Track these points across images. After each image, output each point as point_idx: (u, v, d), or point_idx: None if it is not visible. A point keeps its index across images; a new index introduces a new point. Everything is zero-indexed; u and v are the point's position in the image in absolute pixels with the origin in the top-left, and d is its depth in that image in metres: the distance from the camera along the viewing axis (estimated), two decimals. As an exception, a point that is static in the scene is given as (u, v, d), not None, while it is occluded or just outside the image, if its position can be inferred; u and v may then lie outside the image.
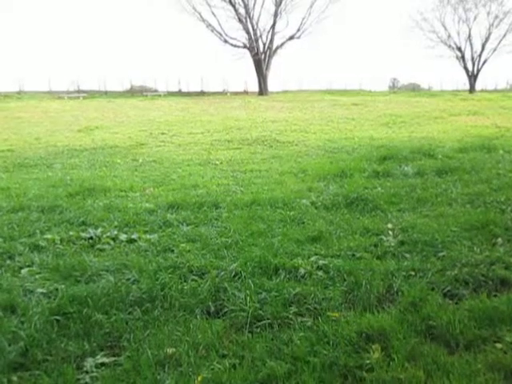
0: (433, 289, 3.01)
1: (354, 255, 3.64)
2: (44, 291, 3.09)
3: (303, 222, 4.51)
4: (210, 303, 2.89)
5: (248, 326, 2.62)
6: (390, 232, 4.12)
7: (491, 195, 5.34)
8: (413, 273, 3.28)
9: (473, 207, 4.92)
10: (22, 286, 3.17)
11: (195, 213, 4.94)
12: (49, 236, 4.22)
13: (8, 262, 3.69)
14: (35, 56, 56.39)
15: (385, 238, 3.96)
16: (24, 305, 2.87)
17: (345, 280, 3.16)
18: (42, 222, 4.77)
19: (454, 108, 23.10)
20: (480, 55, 51.82)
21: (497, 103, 25.35)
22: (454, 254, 3.56)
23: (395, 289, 3.05)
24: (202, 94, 41.24)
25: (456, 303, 2.86)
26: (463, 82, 54.70)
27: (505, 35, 50.70)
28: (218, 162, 8.58)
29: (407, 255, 3.63)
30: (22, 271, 3.47)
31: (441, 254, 3.60)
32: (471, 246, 3.71)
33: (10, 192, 6.29)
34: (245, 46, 40.81)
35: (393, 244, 3.85)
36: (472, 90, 50.70)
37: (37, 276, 3.36)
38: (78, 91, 36.02)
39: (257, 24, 40.42)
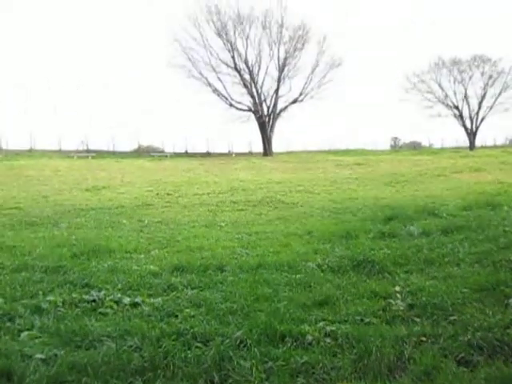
0: (446, 355, 2.88)
1: (362, 320, 3.54)
2: (43, 357, 2.98)
3: (310, 286, 4.43)
4: (215, 373, 2.77)
5: (254, 398, 2.51)
6: (399, 295, 4.03)
7: (499, 254, 5.25)
8: (424, 338, 3.16)
9: (481, 267, 4.84)
10: (20, 350, 3.07)
11: (200, 276, 4.89)
12: (51, 298, 4.15)
13: (8, 324, 3.61)
14: (47, 116, 58.57)
15: (393, 302, 3.86)
16: (21, 371, 2.76)
17: (354, 347, 3.04)
18: (45, 282, 4.72)
19: (455, 165, 23.39)
20: (477, 113, 53.31)
21: (497, 159, 25.67)
22: (466, 318, 3.45)
23: (406, 356, 2.91)
24: (207, 154, 42.14)
25: (471, 371, 2.71)
26: (463, 139, 55.77)
27: (500, 94, 52.44)
28: (223, 224, 8.59)
29: (417, 320, 3.52)
30: (22, 335, 3.37)
31: (452, 318, 3.49)
32: (483, 309, 3.61)
33: (15, 251, 6.30)
34: (250, 109, 42.28)
35: (402, 308, 3.75)
36: (472, 146, 51.58)
37: (36, 340, 3.28)
38: (87, 151, 36.97)
39: (261, 89, 42.16)
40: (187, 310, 3.83)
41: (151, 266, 5.35)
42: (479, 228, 6.86)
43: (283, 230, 7.74)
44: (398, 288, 4.22)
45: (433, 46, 78.42)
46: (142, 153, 40.02)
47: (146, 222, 9.13)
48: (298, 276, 4.77)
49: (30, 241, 7.11)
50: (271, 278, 4.73)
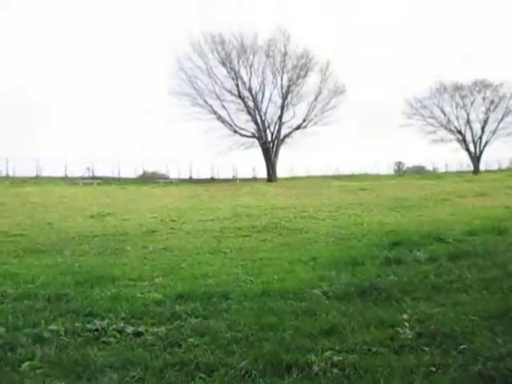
0: (457, 387, 2.82)
1: (370, 350, 3.46)
2: (43, 388, 2.94)
3: (315, 314, 4.36)
4: (219, 405, 2.71)
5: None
6: (406, 323, 3.96)
7: (508, 280, 5.17)
8: (433, 369, 3.07)
9: (490, 294, 4.76)
10: (21, 381, 3.03)
11: (204, 304, 4.83)
12: (53, 327, 4.11)
13: (9, 354, 3.55)
14: (53, 143, 59.37)
15: (401, 330, 3.79)
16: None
17: (361, 378, 2.97)
18: (48, 311, 4.67)
19: (460, 190, 23.31)
20: (481, 137, 53.51)
21: (502, 183, 25.57)
22: (476, 347, 3.37)
23: (416, 387, 2.86)
24: (212, 180, 42.39)
25: (483, 403, 2.65)
26: (467, 163, 55.80)
27: (502, 118, 52.76)
28: (227, 250, 8.55)
29: (426, 349, 3.43)
30: (23, 365, 3.31)
31: (462, 347, 3.40)
32: (493, 337, 3.52)
33: (18, 278, 6.26)
34: (253, 136, 42.77)
35: (410, 337, 3.68)
36: (476, 170, 51.57)
37: (37, 371, 3.22)
38: (93, 177, 37.30)
39: (265, 115, 42.77)
40: (191, 340, 3.77)
41: (155, 294, 5.30)
42: (486, 254, 6.78)
43: (288, 257, 7.68)
44: (405, 316, 4.15)
45: (434, 71, 79.37)
46: (147, 179, 40.31)
47: (151, 248, 9.09)
48: (303, 304, 4.70)
49: (34, 268, 7.09)
50: (276, 305, 4.67)
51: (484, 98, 52.65)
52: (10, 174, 35.90)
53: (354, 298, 4.87)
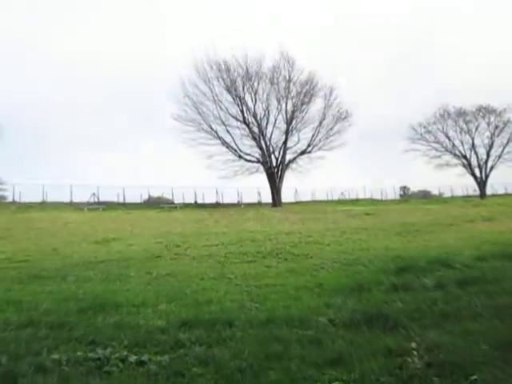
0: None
1: (378, 380, 3.37)
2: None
3: (322, 343, 4.26)
4: None
5: None
6: (415, 352, 3.86)
7: (518, 307, 5.08)
8: (444, 400, 3.01)
9: (500, 322, 4.65)
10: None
11: (208, 331, 4.75)
12: (56, 356, 4.05)
13: (10, 384, 3.51)
14: (59, 169, 60.03)
15: (410, 360, 3.69)
16: None
17: (370, 410, 2.89)
18: (51, 339, 4.61)
19: (466, 214, 23.16)
20: (486, 162, 53.49)
21: (509, 208, 25.41)
22: (487, 378, 3.27)
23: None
24: (216, 205, 42.43)
25: None
26: (473, 188, 55.64)
27: (507, 143, 52.85)
28: (232, 276, 8.47)
29: (436, 379, 3.34)
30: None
31: (472, 378, 3.31)
32: (504, 368, 3.42)
33: (21, 305, 6.21)
34: (258, 161, 43.01)
35: (419, 366, 3.58)
36: (483, 195, 51.35)
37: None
38: (98, 203, 37.48)
39: (269, 141, 43.12)
40: (195, 369, 3.70)
41: (158, 321, 5.23)
42: (495, 280, 6.66)
43: (293, 283, 7.59)
44: (414, 344, 4.05)
45: (437, 96, 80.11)
46: (152, 204, 40.43)
47: (154, 274, 9.04)
48: (309, 332, 4.61)
49: (37, 295, 7.05)
50: (281, 333, 4.58)
51: (488, 124, 52.99)
52: (17, 200, 36.18)
53: (361, 325, 4.77)
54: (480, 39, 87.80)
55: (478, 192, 53.57)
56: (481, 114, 52.50)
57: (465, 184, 56.65)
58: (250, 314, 5.52)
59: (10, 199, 37.32)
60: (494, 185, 56.20)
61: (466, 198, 47.86)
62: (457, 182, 56.04)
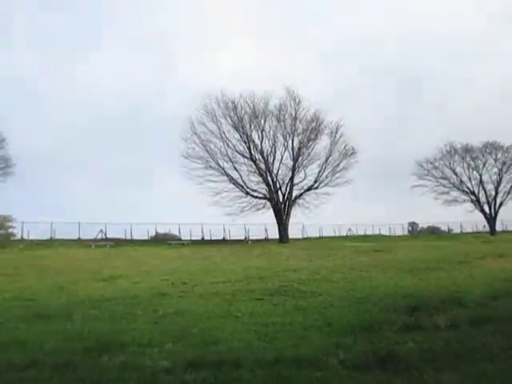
0: None
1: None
2: None
3: (332, 385, 4.15)
4: None
5: None
6: (430, 396, 3.73)
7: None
8: None
9: (517, 363, 4.50)
10: None
11: (215, 372, 4.63)
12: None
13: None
14: (67, 206, 60.44)
15: (424, 404, 3.56)
16: None
17: None
18: (54, 380, 4.53)
19: (477, 251, 22.81)
20: (495, 198, 53.09)
21: (521, 244, 25.00)
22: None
23: None
24: (223, 241, 42.24)
25: None
26: (482, 224, 55.00)
27: (515, 180, 52.53)
28: (239, 315, 8.33)
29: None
30: None
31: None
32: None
33: (25, 345, 6.13)
34: (265, 197, 43.12)
35: (434, 411, 3.45)
36: (493, 231, 50.68)
37: None
38: (105, 239, 37.47)
39: (276, 177, 43.39)
40: (201, 413, 3.59)
41: (164, 362, 5.11)
42: (510, 319, 6.49)
43: (302, 322, 7.43)
44: (428, 388, 3.91)
45: (443, 133, 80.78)
46: (159, 241, 40.37)
47: (161, 312, 8.91)
48: (319, 373, 4.48)
49: (42, 334, 6.94)
50: (290, 374, 4.45)
51: (496, 160, 52.99)
52: (25, 237, 36.36)
53: (372, 367, 4.63)
54: (482, 74, 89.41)
55: (487, 228, 52.94)
56: (488, 150, 52.63)
57: (474, 220, 56.09)
58: (258, 353, 5.38)
59: (18, 236, 37.53)
60: (504, 221, 55.63)
61: (476, 235, 47.27)
62: (466, 218, 55.45)
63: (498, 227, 53.71)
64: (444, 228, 58.40)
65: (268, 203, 43.12)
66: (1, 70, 76.15)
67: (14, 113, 68.61)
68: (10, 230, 39.69)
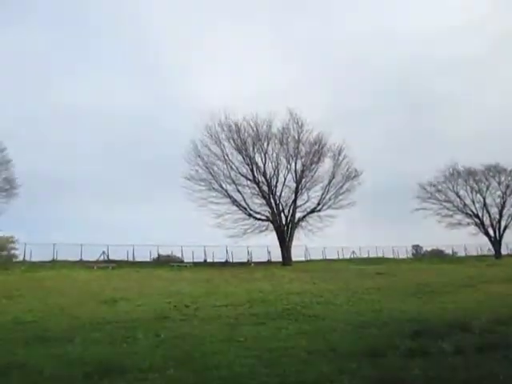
0: None
1: None
2: None
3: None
4: None
5: None
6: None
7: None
8: None
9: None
10: None
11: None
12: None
13: None
14: (69, 229, 60.41)
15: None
16: None
17: None
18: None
19: (482, 275, 22.59)
20: (499, 222, 52.69)
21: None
22: None
23: None
24: (226, 264, 41.98)
25: None
26: (487, 247, 54.44)
27: (519, 203, 52.22)
28: (242, 339, 8.22)
29: None
30: None
31: None
32: None
33: (25, 369, 6.06)
34: (268, 219, 43.01)
35: None
36: (498, 254, 50.14)
37: None
38: (108, 261, 37.29)
39: (279, 199, 43.38)
40: None
41: (166, 388, 5.04)
42: (518, 346, 6.37)
43: (305, 346, 7.33)
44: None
45: (446, 156, 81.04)
46: (161, 263, 40.15)
47: (162, 336, 8.81)
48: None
49: (42, 358, 6.87)
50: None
51: (499, 183, 52.85)
52: (27, 259, 36.27)
53: (378, 394, 4.54)
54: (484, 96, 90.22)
55: (492, 251, 52.44)
56: (491, 173, 52.58)
57: (478, 243, 55.57)
58: (261, 379, 5.30)
59: (20, 257, 37.44)
60: (509, 244, 55.07)
61: (481, 258, 46.80)
62: (470, 240, 54.96)
63: (503, 251, 53.18)
64: (448, 251, 57.84)
65: (271, 225, 42.97)
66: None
67: (18, 134, 69.24)
68: (13, 252, 39.64)
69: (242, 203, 42.96)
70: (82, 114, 78.34)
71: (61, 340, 8.67)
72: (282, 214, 43.24)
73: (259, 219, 43.21)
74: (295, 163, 43.86)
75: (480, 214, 53.17)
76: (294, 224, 43.00)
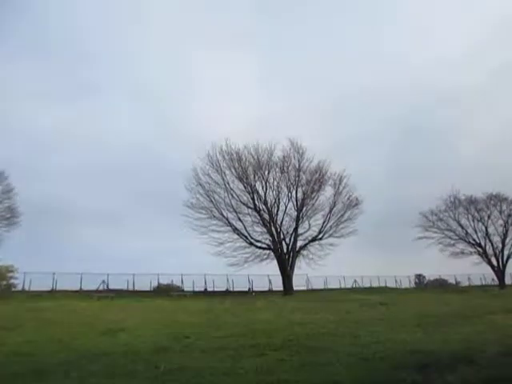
0: None
1: None
2: None
3: None
4: None
5: None
6: None
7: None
8: None
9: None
10: None
11: None
12: None
13: None
14: (69, 257, 60.05)
15: None
16: None
17: None
18: None
19: (487, 305, 22.26)
20: (502, 251, 52.36)
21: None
22: None
23: None
24: (227, 292, 41.56)
25: None
26: (491, 277, 53.91)
27: (521, 232, 52.00)
28: (242, 372, 8.07)
29: None
30: None
31: None
32: None
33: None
34: (269, 248, 42.86)
35: None
36: (502, 284, 49.64)
37: None
38: (108, 290, 36.98)
39: (280, 227, 43.35)
40: None
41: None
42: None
43: (307, 379, 7.18)
44: None
45: (447, 183, 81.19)
46: (161, 292, 39.76)
47: (162, 368, 8.64)
48: None
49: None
50: None
51: (501, 212, 52.86)
52: (26, 288, 35.97)
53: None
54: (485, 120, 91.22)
55: (496, 281, 51.85)
56: (492, 202, 52.60)
57: (482, 273, 55.01)
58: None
59: (20, 287, 37.13)
60: (514, 272, 54.52)
61: (485, 288, 46.27)
62: (473, 270, 54.41)
63: (508, 280, 52.60)
64: (451, 280, 57.18)
65: (272, 254, 42.76)
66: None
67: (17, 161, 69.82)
68: (12, 281, 39.35)
69: (243, 231, 42.96)
70: (83, 142, 79.30)
71: (58, 373, 8.49)
72: (283, 243, 43.16)
73: (260, 247, 43.09)
74: (296, 191, 44.15)
75: (482, 243, 52.93)
76: (295, 252, 42.84)
